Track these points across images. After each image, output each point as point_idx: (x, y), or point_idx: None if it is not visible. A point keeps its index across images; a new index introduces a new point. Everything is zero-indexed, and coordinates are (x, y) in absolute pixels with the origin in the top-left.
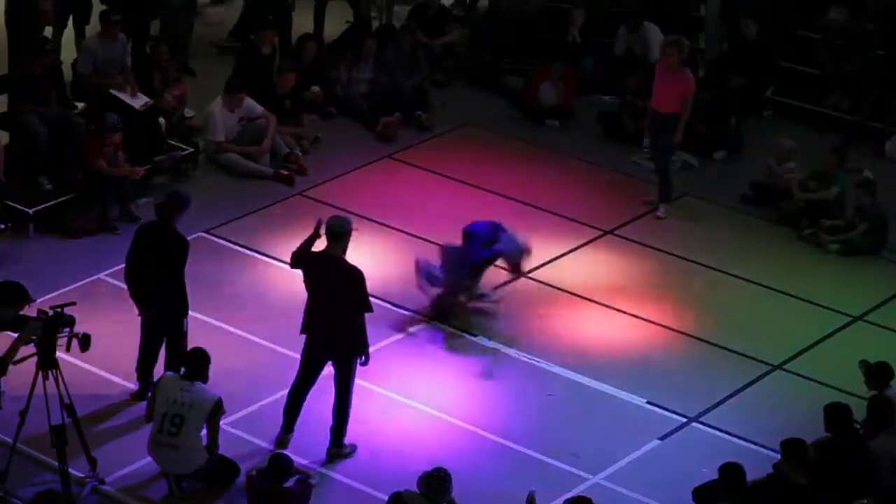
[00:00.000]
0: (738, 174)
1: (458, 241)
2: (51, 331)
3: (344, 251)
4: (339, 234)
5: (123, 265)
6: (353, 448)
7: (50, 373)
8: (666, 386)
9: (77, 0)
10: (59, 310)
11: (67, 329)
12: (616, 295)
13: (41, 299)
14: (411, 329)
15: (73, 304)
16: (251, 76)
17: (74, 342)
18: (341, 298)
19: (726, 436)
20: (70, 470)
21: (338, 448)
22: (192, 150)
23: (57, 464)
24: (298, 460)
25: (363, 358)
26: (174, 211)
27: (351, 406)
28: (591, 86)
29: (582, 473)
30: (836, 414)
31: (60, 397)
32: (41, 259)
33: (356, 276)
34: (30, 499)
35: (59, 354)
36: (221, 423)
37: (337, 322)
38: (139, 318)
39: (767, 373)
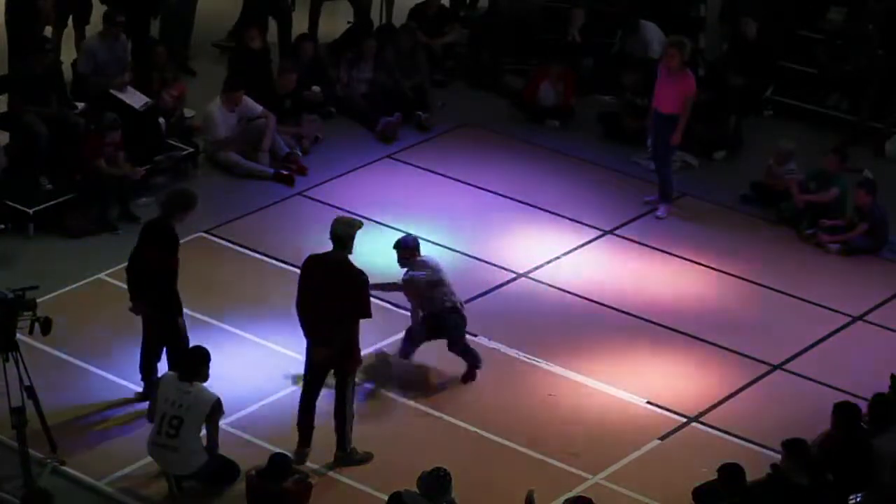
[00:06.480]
0: (738, 174)
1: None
2: (10, 313)
3: (349, 252)
4: (342, 239)
5: (124, 265)
6: (366, 455)
7: (10, 355)
8: (666, 386)
9: (77, 0)
10: (20, 292)
11: (29, 312)
12: (616, 295)
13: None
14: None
15: (37, 287)
16: (247, 74)
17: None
18: (340, 302)
19: (726, 436)
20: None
21: (342, 451)
22: (191, 150)
23: (17, 445)
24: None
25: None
26: (176, 208)
27: (352, 412)
28: (591, 86)
29: (582, 473)
30: (845, 413)
31: (20, 379)
32: (41, 259)
33: (360, 280)
34: (21, 497)
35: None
36: (221, 423)
37: (334, 327)
38: (140, 317)
39: (767, 373)
